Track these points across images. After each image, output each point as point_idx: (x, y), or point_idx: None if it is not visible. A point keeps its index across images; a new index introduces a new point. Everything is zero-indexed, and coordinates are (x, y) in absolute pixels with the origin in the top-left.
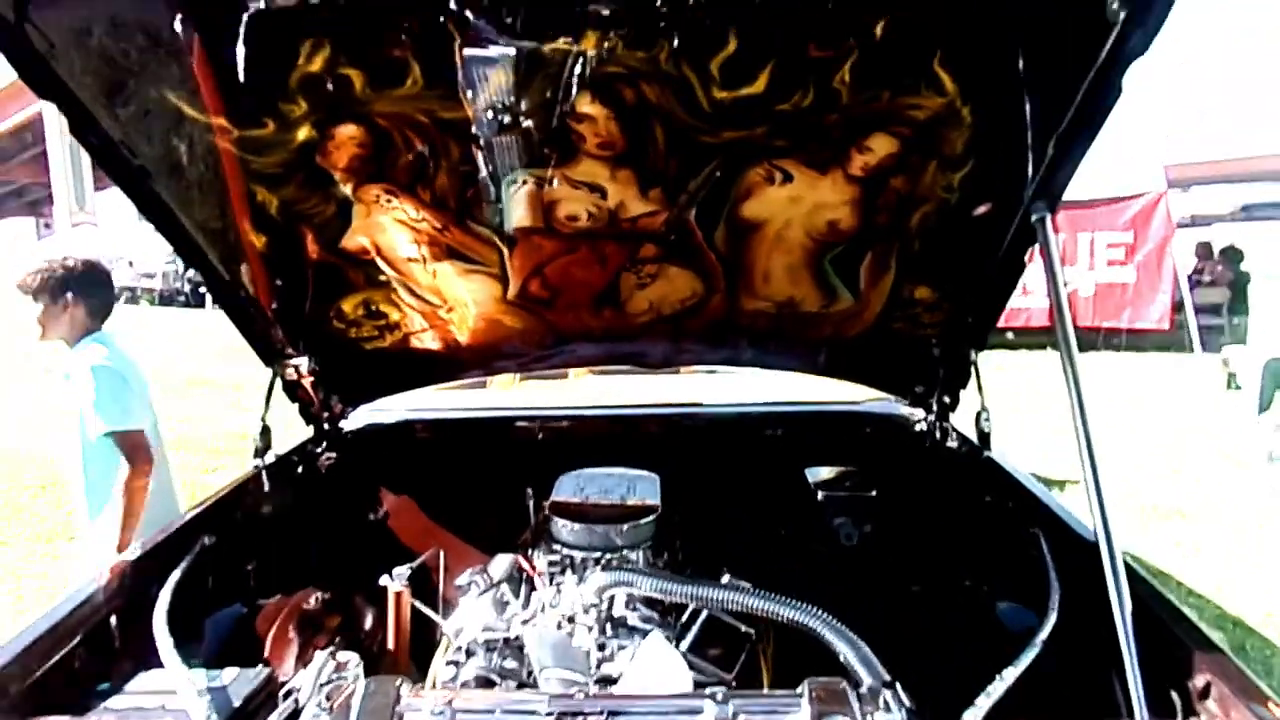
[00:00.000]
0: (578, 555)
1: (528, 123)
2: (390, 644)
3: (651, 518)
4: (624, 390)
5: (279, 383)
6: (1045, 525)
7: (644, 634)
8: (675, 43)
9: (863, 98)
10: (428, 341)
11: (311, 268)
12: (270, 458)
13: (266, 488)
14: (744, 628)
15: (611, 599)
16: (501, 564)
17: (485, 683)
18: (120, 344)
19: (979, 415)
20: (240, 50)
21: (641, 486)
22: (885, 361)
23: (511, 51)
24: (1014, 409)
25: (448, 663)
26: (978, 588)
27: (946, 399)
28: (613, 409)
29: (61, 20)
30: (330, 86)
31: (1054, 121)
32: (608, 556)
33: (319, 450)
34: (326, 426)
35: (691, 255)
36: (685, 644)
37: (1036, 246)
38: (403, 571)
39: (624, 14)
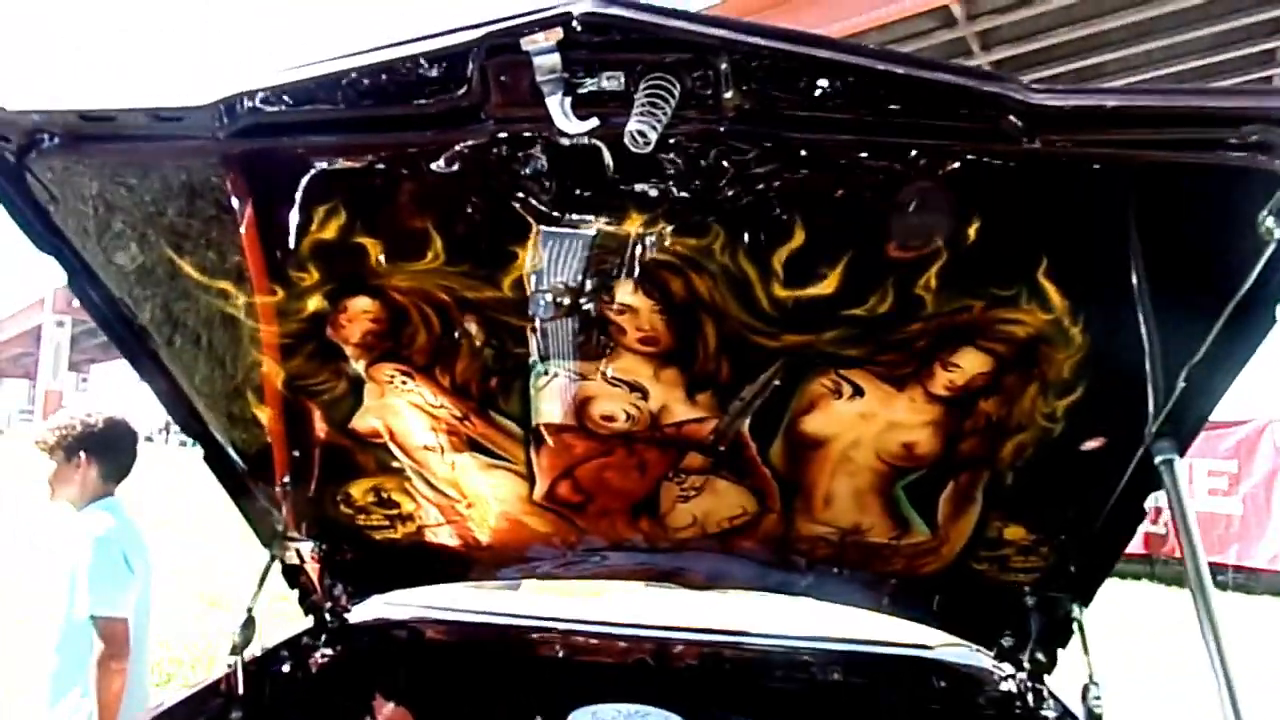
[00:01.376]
0: None
1: (561, 310)
2: None
3: None
4: (663, 599)
5: (277, 566)
6: None
7: None
8: (732, 232)
9: (951, 307)
10: (444, 537)
11: (319, 447)
12: (256, 651)
13: (240, 690)
14: None
15: None
16: None
17: None
18: (128, 513)
19: (1086, 689)
20: (255, 213)
21: None
22: (965, 606)
23: (547, 230)
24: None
25: None
26: None
27: (1041, 657)
28: (643, 629)
29: (67, 172)
30: (344, 255)
31: (1188, 350)
32: None
33: (314, 644)
34: (329, 617)
35: (743, 470)
36: None
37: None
38: None
39: (674, 196)
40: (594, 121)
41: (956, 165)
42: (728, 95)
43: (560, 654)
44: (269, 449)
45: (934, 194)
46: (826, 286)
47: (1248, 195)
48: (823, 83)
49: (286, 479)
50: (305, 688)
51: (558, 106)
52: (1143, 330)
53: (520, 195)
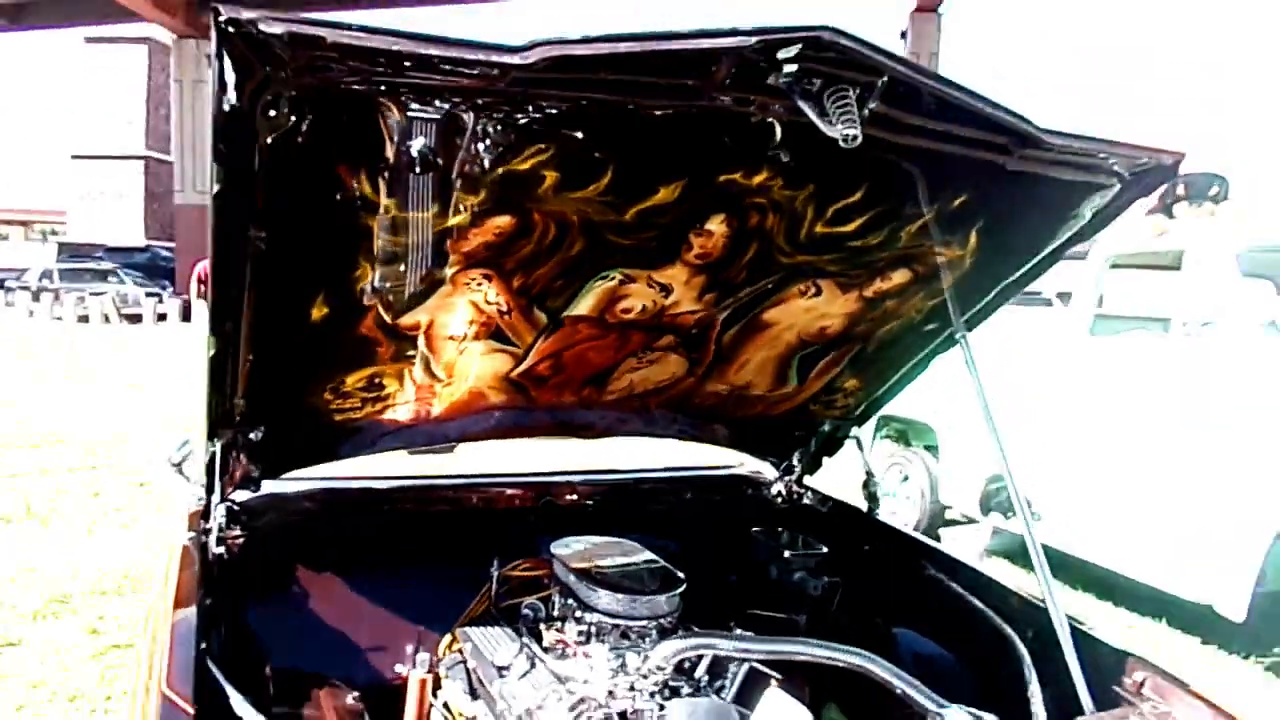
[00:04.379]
0: (609, 624)
1: (662, 231)
2: None
3: (684, 586)
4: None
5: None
6: (942, 569)
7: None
8: (820, 187)
9: (914, 243)
10: (400, 413)
11: (350, 340)
12: (183, 544)
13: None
14: (774, 674)
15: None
16: (502, 639)
17: None
18: None
19: (865, 481)
20: (467, 144)
21: (635, 551)
22: (781, 434)
23: (693, 178)
24: None
25: None
26: (883, 621)
27: (811, 463)
28: (533, 477)
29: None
30: (521, 183)
31: (1008, 275)
32: (656, 623)
33: (220, 528)
34: (236, 500)
35: (697, 346)
36: (730, 694)
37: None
38: (424, 658)
39: (799, 165)
40: (857, 130)
41: (979, 163)
42: (873, 105)
43: (476, 503)
44: (291, 345)
45: (958, 183)
46: (850, 226)
47: (1083, 193)
48: (933, 106)
49: (289, 370)
50: (235, 572)
51: (811, 109)
52: (1005, 263)
53: (695, 152)
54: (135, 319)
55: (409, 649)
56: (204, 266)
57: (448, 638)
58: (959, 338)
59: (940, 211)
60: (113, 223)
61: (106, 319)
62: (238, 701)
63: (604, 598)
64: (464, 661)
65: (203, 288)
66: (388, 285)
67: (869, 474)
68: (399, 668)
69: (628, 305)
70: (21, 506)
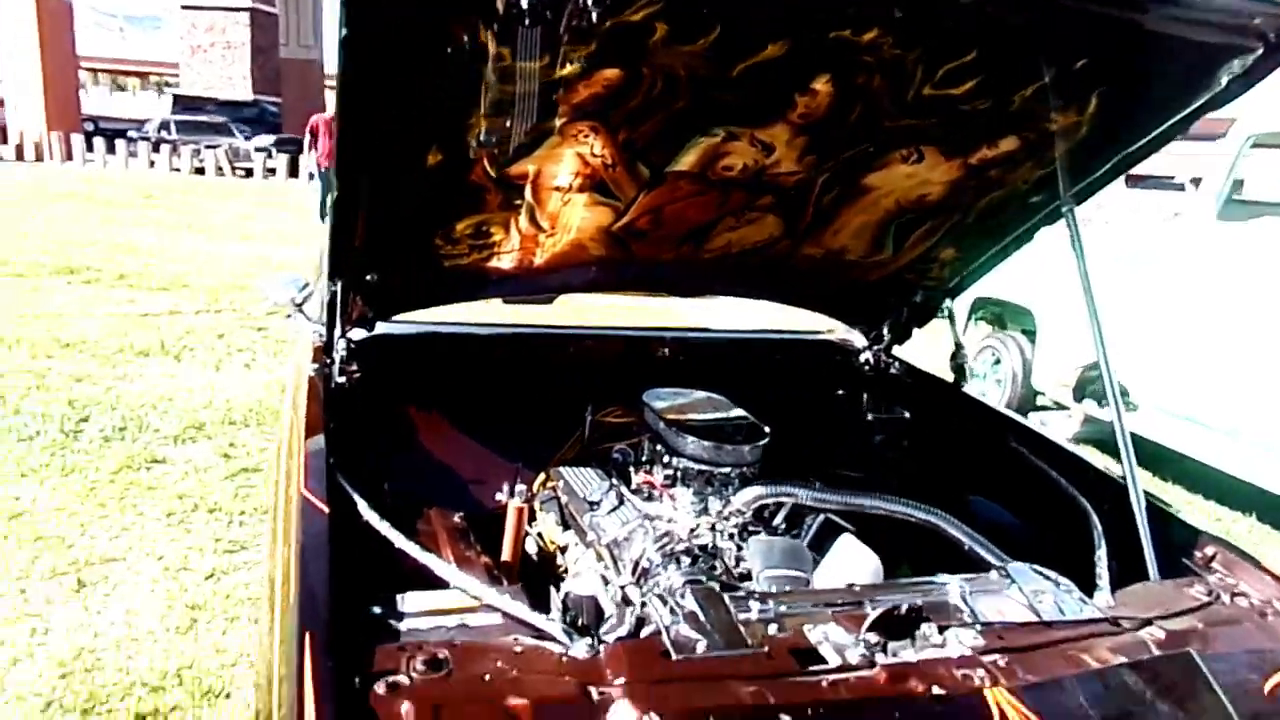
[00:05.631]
0: (694, 469)
1: (767, 89)
2: (506, 557)
3: (767, 439)
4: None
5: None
6: (1023, 442)
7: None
8: (929, 48)
9: (1027, 109)
10: (504, 262)
11: (461, 186)
12: (309, 374)
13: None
14: (849, 527)
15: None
16: (593, 479)
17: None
18: None
19: (954, 352)
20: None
21: (723, 406)
22: (874, 301)
23: (802, 33)
24: None
25: (640, 573)
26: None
27: (901, 333)
28: (628, 331)
29: None
30: (632, 35)
31: (1127, 144)
32: (739, 470)
33: (341, 361)
34: (353, 337)
35: (796, 207)
36: (806, 542)
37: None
38: (521, 490)
39: (918, 19)
40: None
41: (1108, 20)
42: None
43: (571, 352)
44: (405, 192)
45: (1082, 43)
46: (960, 89)
47: (1221, 56)
48: None
49: (406, 214)
50: (350, 401)
51: None
52: (1120, 132)
53: (806, 7)
54: (248, 173)
55: (507, 483)
56: (316, 119)
57: (543, 475)
58: (1065, 211)
59: (1059, 74)
60: (221, 76)
61: (220, 171)
62: (364, 507)
63: (690, 444)
64: (557, 497)
65: (315, 140)
66: (497, 135)
67: (958, 345)
68: (499, 496)
69: (729, 163)
70: (157, 343)
